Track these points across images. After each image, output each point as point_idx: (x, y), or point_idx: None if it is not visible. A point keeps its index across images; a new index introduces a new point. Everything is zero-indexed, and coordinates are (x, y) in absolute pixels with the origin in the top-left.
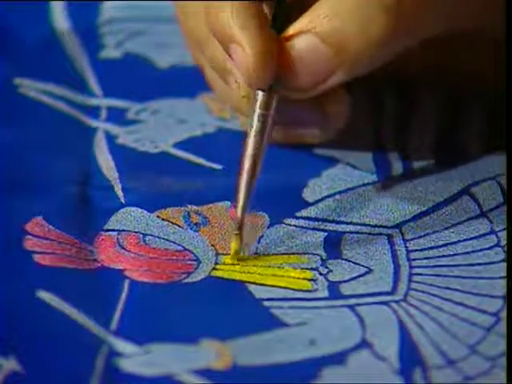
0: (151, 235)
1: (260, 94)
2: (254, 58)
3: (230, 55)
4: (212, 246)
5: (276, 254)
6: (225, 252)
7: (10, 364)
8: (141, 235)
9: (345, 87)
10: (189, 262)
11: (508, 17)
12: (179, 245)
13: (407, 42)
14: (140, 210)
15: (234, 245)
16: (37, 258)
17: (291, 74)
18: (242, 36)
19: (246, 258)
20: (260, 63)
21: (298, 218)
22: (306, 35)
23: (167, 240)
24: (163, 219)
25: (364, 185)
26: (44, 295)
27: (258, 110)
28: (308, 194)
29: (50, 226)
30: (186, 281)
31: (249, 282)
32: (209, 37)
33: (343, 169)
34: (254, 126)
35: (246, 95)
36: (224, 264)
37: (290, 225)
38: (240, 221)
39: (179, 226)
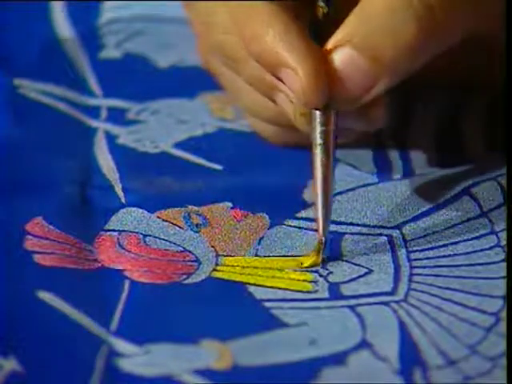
0: (151, 236)
1: (317, 112)
2: (308, 81)
3: (279, 79)
4: (212, 247)
5: (276, 256)
6: (225, 253)
7: (11, 364)
8: (141, 236)
9: None
10: (189, 263)
11: (508, 17)
12: (179, 246)
13: (439, 48)
14: (140, 210)
15: (312, 259)
16: (37, 258)
17: (337, 88)
18: (291, 59)
19: (245, 260)
20: (314, 84)
21: (298, 218)
22: (343, 48)
23: (167, 241)
24: (163, 220)
25: (364, 185)
26: (44, 295)
27: (318, 128)
28: (308, 195)
29: (50, 226)
30: (187, 282)
31: (249, 284)
32: (245, 56)
33: (343, 169)
34: (318, 145)
35: (304, 113)
36: (224, 265)
37: (291, 226)
38: (324, 242)
39: (179, 227)
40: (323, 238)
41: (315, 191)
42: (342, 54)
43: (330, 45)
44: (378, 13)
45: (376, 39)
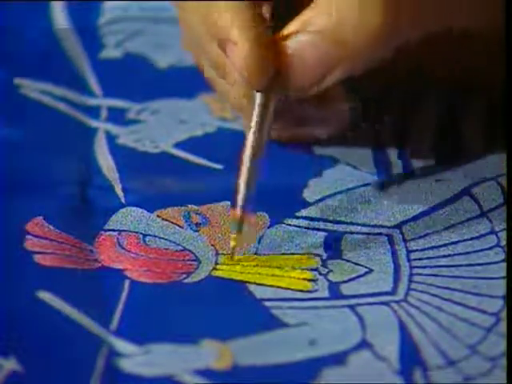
0: (151, 235)
1: (258, 94)
2: (250, 60)
3: (227, 55)
4: (212, 245)
5: (276, 255)
6: (225, 252)
7: (10, 364)
8: (141, 235)
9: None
10: (189, 263)
11: (508, 17)
12: (179, 245)
13: (404, 38)
14: (140, 210)
15: (233, 244)
16: (37, 258)
17: (289, 73)
18: (239, 36)
19: (244, 258)
20: (255, 64)
21: (298, 217)
22: (304, 33)
23: (167, 240)
24: (163, 219)
25: (364, 185)
26: (44, 295)
27: (256, 110)
28: (308, 194)
29: (51, 227)
30: (187, 281)
31: (249, 282)
32: (208, 37)
33: (343, 169)
34: (253, 126)
35: (246, 95)
36: (224, 264)
37: (290, 225)
38: (240, 221)
39: (179, 226)
40: (241, 214)
41: (241, 175)
42: (303, 37)
43: (291, 28)
44: (345, 0)
45: (341, 26)
